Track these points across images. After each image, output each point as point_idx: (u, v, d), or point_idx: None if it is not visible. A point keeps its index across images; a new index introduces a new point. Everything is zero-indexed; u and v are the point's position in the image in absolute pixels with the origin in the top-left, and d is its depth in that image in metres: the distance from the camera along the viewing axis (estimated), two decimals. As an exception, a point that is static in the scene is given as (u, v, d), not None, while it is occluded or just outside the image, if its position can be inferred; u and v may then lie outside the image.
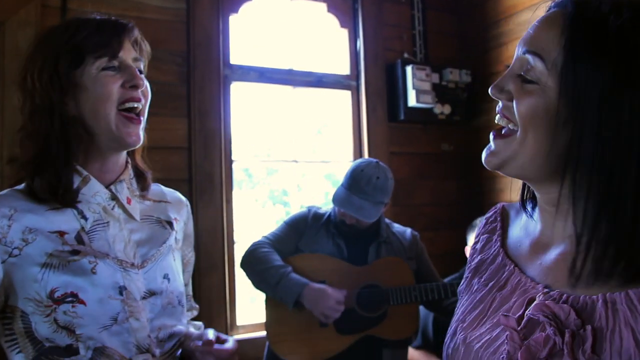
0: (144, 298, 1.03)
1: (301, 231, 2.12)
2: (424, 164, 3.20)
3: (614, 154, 0.62)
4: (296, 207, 4.04)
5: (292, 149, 2.97)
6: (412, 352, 2.39)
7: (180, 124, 2.53)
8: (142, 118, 1.06)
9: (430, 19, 3.30)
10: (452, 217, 3.25)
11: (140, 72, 1.07)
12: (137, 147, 1.08)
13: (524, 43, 0.72)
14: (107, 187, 1.06)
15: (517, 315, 0.68)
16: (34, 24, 2.29)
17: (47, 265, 0.96)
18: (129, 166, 1.13)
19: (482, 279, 0.81)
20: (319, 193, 3.65)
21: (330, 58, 3.08)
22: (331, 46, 3.09)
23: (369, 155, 2.93)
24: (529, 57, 0.70)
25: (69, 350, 0.95)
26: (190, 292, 1.30)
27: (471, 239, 2.43)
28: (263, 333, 2.08)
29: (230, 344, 1.11)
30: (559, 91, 0.66)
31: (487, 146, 0.75)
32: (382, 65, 3.09)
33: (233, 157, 2.66)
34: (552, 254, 0.72)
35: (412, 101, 2.97)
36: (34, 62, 1.01)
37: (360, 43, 3.05)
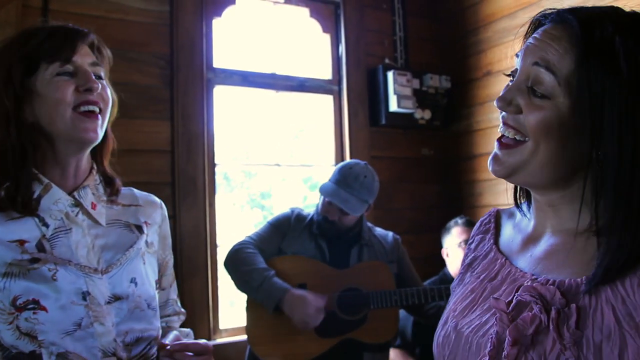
0: (108, 303, 1.04)
1: (284, 232, 2.14)
2: (405, 168, 3.25)
3: (634, 158, 0.66)
4: (274, 211, 4.06)
5: (275, 153, 2.98)
6: (390, 351, 2.42)
7: (163, 127, 2.52)
8: (100, 116, 1.06)
9: (410, 25, 3.35)
10: (432, 220, 3.29)
11: (99, 77, 1.07)
12: (95, 144, 1.08)
13: (530, 54, 0.73)
14: (70, 193, 1.06)
15: (507, 300, 0.71)
16: (14, 25, 2.26)
17: (8, 274, 0.97)
18: (94, 172, 1.13)
19: (475, 272, 0.85)
20: (297, 197, 3.66)
21: (312, 63, 3.10)
22: (313, 51, 3.12)
23: (351, 158, 2.96)
24: (539, 69, 0.71)
25: (32, 356, 0.95)
26: (174, 296, 1.29)
27: (446, 241, 2.48)
28: (245, 336, 2.09)
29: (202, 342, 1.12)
30: (575, 106, 0.69)
31: (492, 155, 0.77)
32: (364, 71, 3.12)
33: (216, 161, 2.67)
34: (543, 245, 0.77)
35: (393, 106, 3.00)
36: None
37: (342, 48, 3.08)
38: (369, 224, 2.27)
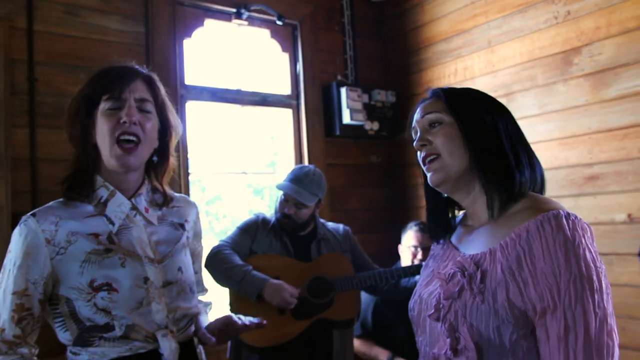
0: (162, 286, 1.29)
1: (253, 234, 2.44)
2: (356, 174, 3.61)
3: (486, 148, 1.07)
4: (220, 216, 4.31)
5: (241, 161, 3.26)
6: (354, 340, 2.75)
7: (142, 139, 2.75)
8: (139, 147, 1.26)
9: (359, 45, 3.73)
10: (381, 220, 3.68)
11: (143, 110, 1.28)
12: (133, 166, 1.30)
13: (421, 115, 1.16)
14: (130, 198, 1.32)
15: (445, 272, 1.07)
16: (2, 45, 2.43)
17: (87, 260, 1.22)
18: (146, 182, 1.38)
19: (435, 260, 1.21)
20: (242, 203, 3.92)
21: (273, 79, 3.41)
22: (274, 69, 3.43)
23: (309, 166, 3.29)
24: (428, 117, 1.13)
25: (106, 327, 1.21)
26: (201, 278, 1.59)
27: (404, 238, 2.85)
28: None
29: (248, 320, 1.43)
30: (457, 124, 1.10)
31: (429, 175, 1.14)
32: (319, 86, 3.47)
33: (189, 170, 2.92)
34: (473, 234, 1.13)
35: (346, 119, 3.36)
36: (71, 102, 1.31)
37: (299, 66, 3.41)
38: (322, 220, 2.61)
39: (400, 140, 3.72)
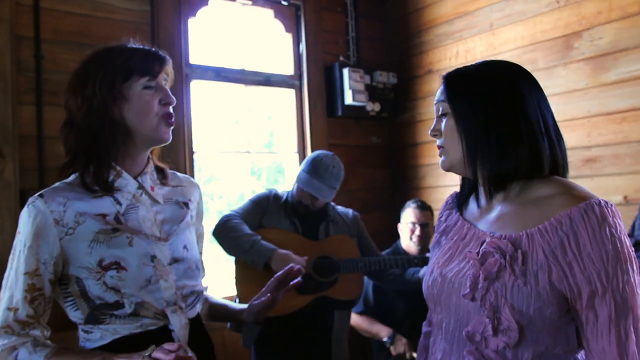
0: (169, 264, 1.31)
1: (264, 208, 2.47)
2: (358, 154, 3.66)
3: (478, 139, 1.10)
4: (215, 197, 4.35)
5: (244, 141, 3.30)
6: (355, 317, 2.83)
7: (147, 118, 2.77)
8: (173, 122, 1.33)
9: (362, 26, 3.74)
10: (381, 200, 3.74)
11: None
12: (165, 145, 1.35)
13: (437, 98, 1.20)
14: (135, 178, 1.32)
15: (476, 251, 1.09)
16: (8, 22, 2.43)
17: (95, 240, 1.23)
18: (150, 161, 1.39)
19: (449, 236, 1.23)
20: (238, 183, 3.95)
21: (276, 59, 3.43)
22: (277, 49, 3.44)
23: (311, 146, 3.33)
24: (439, 104, 1.17)
25: (116, 305, 1.22)
26: (202, 260, 1.59)
27: (403, 216, 2.91)
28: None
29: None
30: (453, 115, 1.13)
31: (440, 159, 1.20)
32: (321, 67, 3.49)
33: (194, 149, 2.96)
34: (494, 213, 1.15)
35: (348, 99, 3.40)
36: (95, 74, 1.26)
37: (302, 47, 3.43)
38: (332, 203, 2.65)
39: (401, 121, 3.75)
